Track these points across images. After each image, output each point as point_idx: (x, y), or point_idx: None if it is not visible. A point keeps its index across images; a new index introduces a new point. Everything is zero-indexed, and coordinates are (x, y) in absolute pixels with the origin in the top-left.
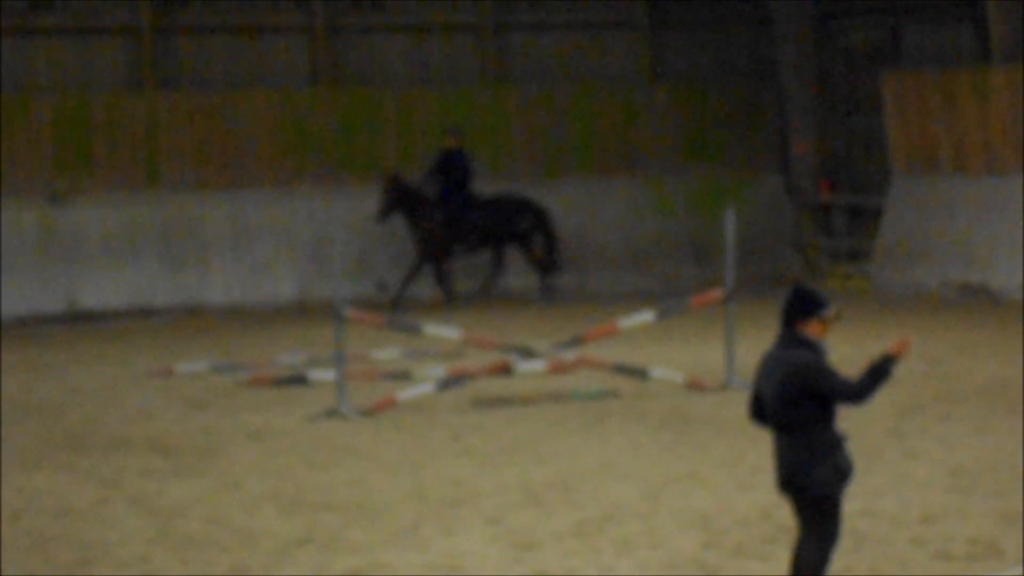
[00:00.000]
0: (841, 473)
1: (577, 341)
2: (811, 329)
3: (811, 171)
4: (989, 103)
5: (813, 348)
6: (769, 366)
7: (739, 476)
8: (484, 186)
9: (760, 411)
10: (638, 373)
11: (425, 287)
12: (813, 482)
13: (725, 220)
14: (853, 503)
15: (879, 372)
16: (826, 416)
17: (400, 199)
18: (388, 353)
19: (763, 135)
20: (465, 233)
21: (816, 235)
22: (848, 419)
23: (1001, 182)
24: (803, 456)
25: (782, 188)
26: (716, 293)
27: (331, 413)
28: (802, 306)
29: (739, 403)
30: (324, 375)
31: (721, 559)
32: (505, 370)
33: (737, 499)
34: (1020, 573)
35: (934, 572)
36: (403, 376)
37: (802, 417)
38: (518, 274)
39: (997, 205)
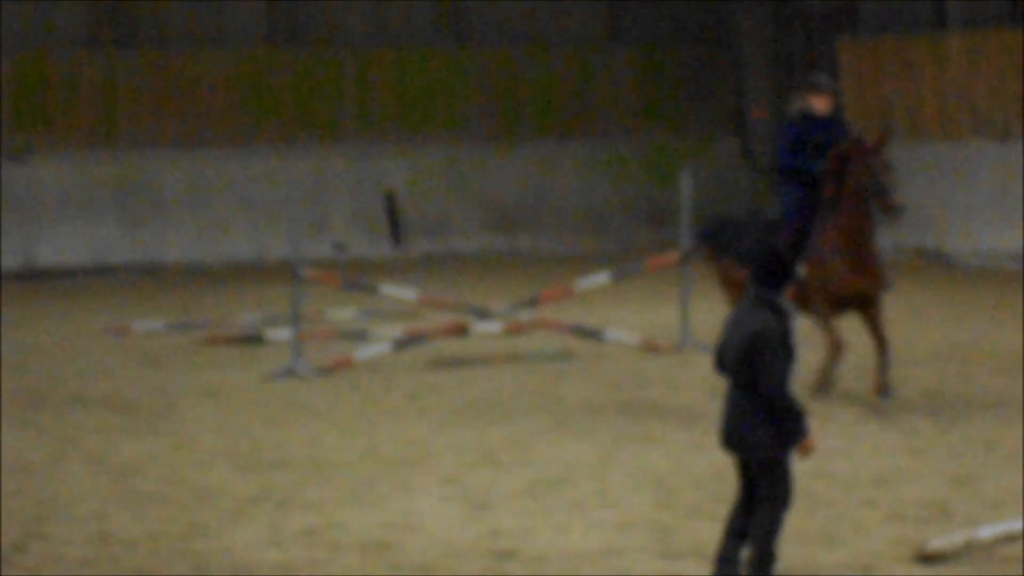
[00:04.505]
0: (784, 436)
1: (533, 302)
2: (788, 293)
3: (767, 135)
4: (945, 69)
5: (781, 313)
6: (736, 322)
7: (693, 437)
8: (440, 147)
9: (723, 363)
10: (594, 335)
11: (383, 248)
12: (754, 444)
13: (681, 182)
14: (806, 465)
15: (795, 428)
16: (782, 379)
17: None
18: (345, 313)
19: (719, 99)
20: None
21: (771, 198)
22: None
23: (956, 147)
24: (747, 415)
25: (738, 151)
26: (672, 255)
27: (287, 372)
28: (786, 272)
29: (694, 365)
30: (281, 334)
31: (675, 519)
32: (461, 331)
33: (691, 460)
34: (1019, 527)
35: (886, 534)
36: (359, 336)
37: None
38: (471, 235)
39: (952, 170)
